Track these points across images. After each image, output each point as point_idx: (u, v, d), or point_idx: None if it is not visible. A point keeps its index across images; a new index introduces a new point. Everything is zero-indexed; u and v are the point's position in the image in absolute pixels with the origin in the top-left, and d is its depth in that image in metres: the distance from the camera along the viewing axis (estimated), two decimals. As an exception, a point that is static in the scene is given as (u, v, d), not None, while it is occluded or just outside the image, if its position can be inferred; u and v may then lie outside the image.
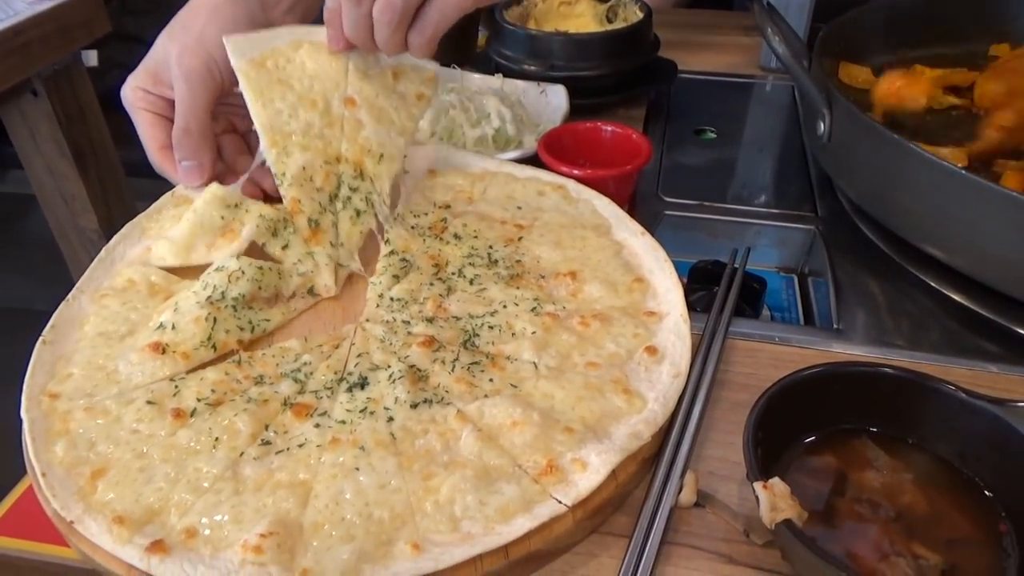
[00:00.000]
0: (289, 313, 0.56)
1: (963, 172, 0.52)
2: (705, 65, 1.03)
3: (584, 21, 0.94)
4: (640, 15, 0.91)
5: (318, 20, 0.69)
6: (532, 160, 0.73)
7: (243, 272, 0.56)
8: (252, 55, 0.61)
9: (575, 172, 0.69)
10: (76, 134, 1.41)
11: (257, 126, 0.61)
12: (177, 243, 0.59)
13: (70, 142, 1.38)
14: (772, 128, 0.91)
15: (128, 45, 2.11)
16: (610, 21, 0.95)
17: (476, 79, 0.88)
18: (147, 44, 1.82)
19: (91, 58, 1.52)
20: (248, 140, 0.70)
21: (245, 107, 0.63)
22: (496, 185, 0.69)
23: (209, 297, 0.54)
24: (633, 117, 0.89)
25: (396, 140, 0.64)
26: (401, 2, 0.54)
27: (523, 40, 0.87)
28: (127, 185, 1.55)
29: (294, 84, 0.63)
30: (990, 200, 0.51)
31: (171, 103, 0.66)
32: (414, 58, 0.59)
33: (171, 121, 0.66)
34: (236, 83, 0.62)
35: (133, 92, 0.67)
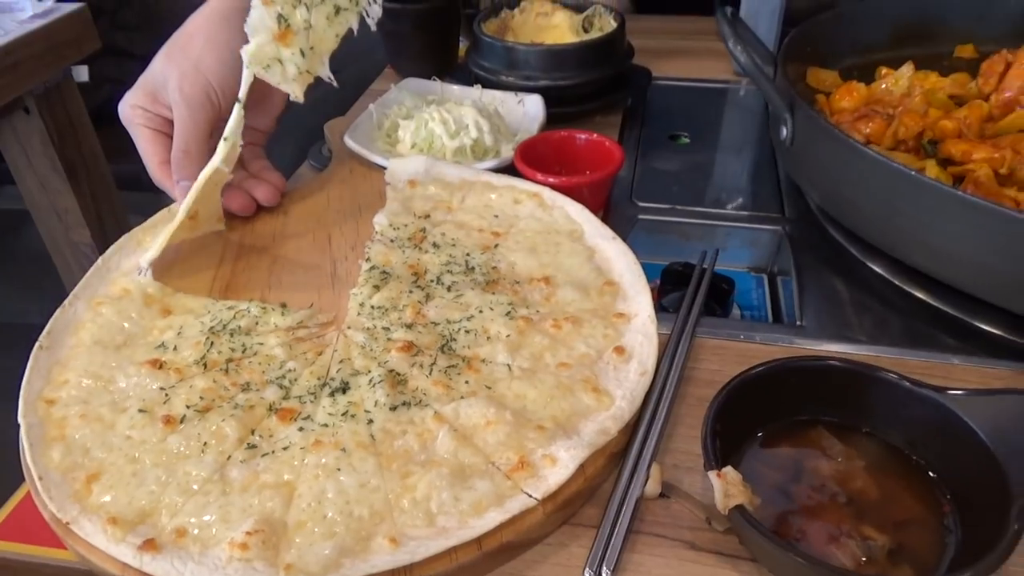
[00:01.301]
0: (285, 338, 0.57)
1: (913, 173, 0.55)
2: (680, 71, 1.06)
3: (561, 31, 0.96)
4: (614, 24, 0.94)
5: None
6: (509, 169, 0.75)
7: (249, 311, 0.58)
8: None
9: (550, 180, 0.72)
10: (68, 150, 1.43)
11: None
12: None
13: (62, 158, 1.40)
14: (744, 132, 0.94)
15: (118, 60, 2.15)
16: (586, 31, 0.97)
17: (455, 90, 0.90)
18: (137, 58, 1.88)
19: (82, 73, 1.55)
20: (242, 154, 0.73)
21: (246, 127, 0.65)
22: (474, 194, 0.72)
23: (212, 328, 0.56)
24: (610, 123, 0.92)
25: None
26: None
27: (501, 52, 0.90)
28: (119, 199, 1.57)
29: None
30: (939, 199, 0.54)
31: (168, 120, 0.69)
32: None
33: (169, 137, 0.69)
34: (231, 107, 0.65)
35: (131, 110, 0.69)
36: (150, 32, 2.24)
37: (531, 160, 0.74)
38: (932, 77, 0.78)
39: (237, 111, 0.63)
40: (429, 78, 0.96)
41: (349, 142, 0.80)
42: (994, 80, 0.75)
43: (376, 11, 0.60)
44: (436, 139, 0.79)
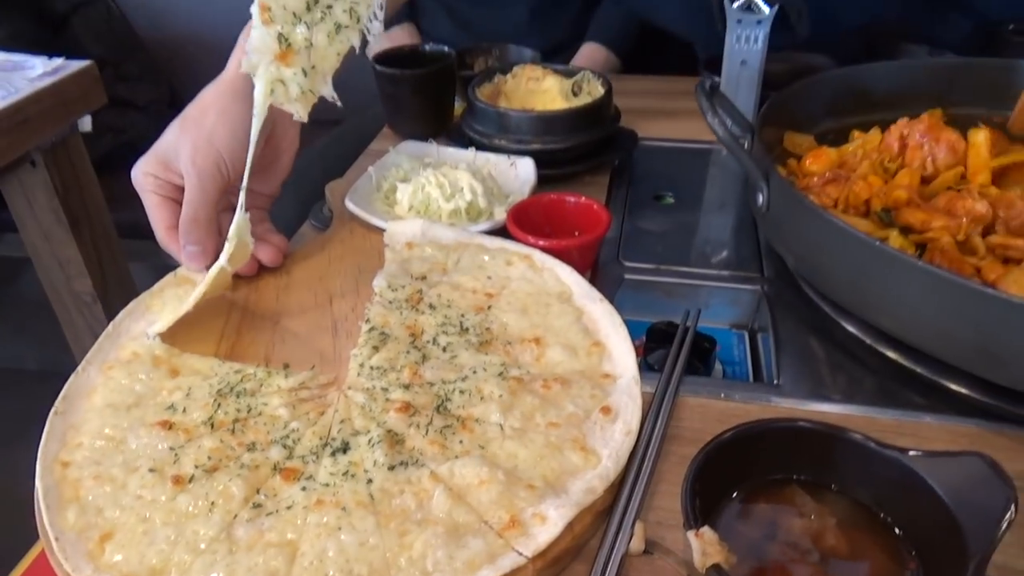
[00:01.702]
0: (288, 399, 0.60)
1: (876, 244, 0.59)
2: (665, 132, 1.11)
3: (551, 96, 1.01)
4: (602, 90, 0.99)
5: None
6: (502, 231, 0.79)
7: (255, 374, 0.61)
8: None
9: (540, 243, 0.76)
10: (72, 201, 1.47)
11: None
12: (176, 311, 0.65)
13: (66, 209, 1.44)
14: (726, 192, 0.98)
15: (121, 110, 2.20)
16: (575, 95, 1.03)
17: (451, 153, 0.95)
18: (139, 109, 1.98)
19: (85, 123, 1.59)
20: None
21: (249, 191, 0.69)
22: (468, 256, 0.75)
23: (219, 390, 0.59)
24: (598, 183, 0.96)
25: None
26: None
27: (494, 117, 0.94)
28: (120, 248, 1.61)
29: None
30: (903, 269, 0.58)
31: (178, 187, 0.73)
32: None
33: (177, 203, 0.73)
34: (240, 176, 0.69)
35: (144, 177, 0.73)
36: (152, 84, 2.31)
37: (523, 223, 0.78)
38: (874, 140, 0.82)
39: (240, 213, 0.67)
40: (426, 138, 1.01)
41: (350, 205, 0.83)
42: (897, 153, 0.79)
43: (377, 27, 0.60)
44: (432, 202, 0.83)
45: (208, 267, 0.69)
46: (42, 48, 2.24)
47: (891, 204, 0.71)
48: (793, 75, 1.24)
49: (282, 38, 0.57)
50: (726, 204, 0.96)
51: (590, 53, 1.69)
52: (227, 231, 0.71)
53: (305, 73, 0.59)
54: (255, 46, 0.60)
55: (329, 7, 0.58)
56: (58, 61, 1.42)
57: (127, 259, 1.67)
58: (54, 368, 2.08)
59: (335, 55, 0.59)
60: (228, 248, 0.67)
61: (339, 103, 0.64)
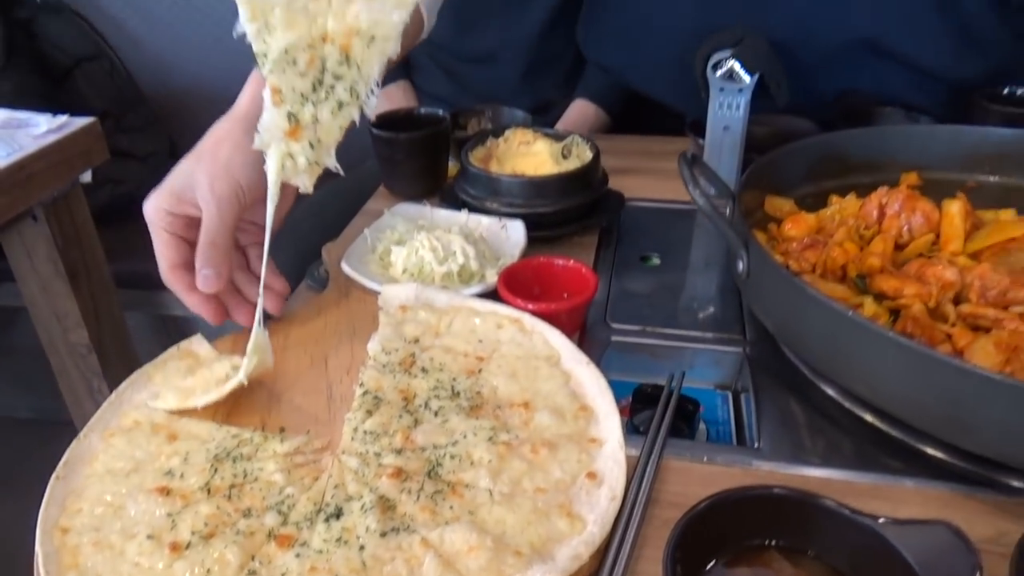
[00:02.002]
0: (284, 463, 0.61)
1: (850, 314, 0.62)
2: (652, 191, 1.14)
3: (541, 159, 1.05)
4: (590, 154, 1.02)
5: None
6: (493, 293, 0.82)
7: (251, 439, 0.63)
8: None
9: (530, 307, 0.78)
10: (71, 254, 1.49)
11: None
12: (182, 391, 0.67)
13: (65, 262, 1.46)
14: (711, 252, 1.01)
15: (121, 161, 2.24)
16: (565, 157, 1.06)
17: (444, 215, 0.98)
18: (138, 159, 2.03)
19: (85, 175, 1.63)
20: (247, 253, 0.81)
21: (251, 223, 0.70)
22: (460, 319, 0.78)
23: (216, 455, 0.61)
24: (586, 244, 1.00)
25: (391, 16, 0.61)
26: None
27: (486, 181, 0.98)
28: (117, 300, 1.63)
29: None
30: (876, 340, 0.60)
31: (189, 223, 0.76)
32: None
33: (185, 241, 0.76)
34: (254, 201, 0.71)
35: (156, 212, 0.76)
36: (152, 135, 2.35)
37: (513, 286, 0.81)
38: (852, 206, 0.86)
39: (257, 329, 0.69)
40: (420, 198, 1.05)
41: (346, 268, 0.86)
42: (875, 220, 0.83)
43: (373, 102, 0.64)
44: (426, 265, 0.86)
45: (220, 287, 0.73)
46: (45, 100, 2.30)
47: (865, 271, 0.74)
48: (776, 137, 1.29)
49: (291, 116, 0.62)
50: (710, 264, 0.99)
51: (580, 110, 1.75)
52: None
53: (312, 146, 0.63)
54: (267, 126, 0.64)
55: (332, 87, 0.62)
56: (62, 119, 1.46)
57: (123, 308, 1.70)
58: (46, 417, 2.08)
59: (338, 129, 0.64)
60: (247, 364, 0.68)
61: (342, 172, 0.68)
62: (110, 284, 1.60)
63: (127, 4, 2.36)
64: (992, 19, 1.10)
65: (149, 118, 2.39)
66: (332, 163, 0.65)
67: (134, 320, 1.92)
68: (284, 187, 0.81)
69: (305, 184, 0.65)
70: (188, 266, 0.75)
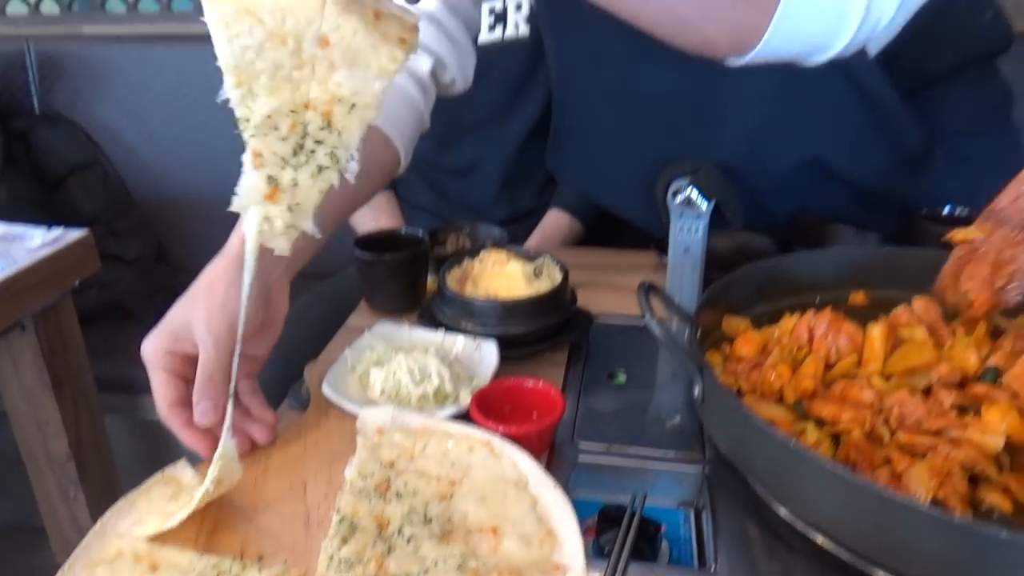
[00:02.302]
0: None
1: (791, 444, 0.67)
2: (620, 307, 1.21)
3: (514, 279, 1.11)
4: (559, 276, 1.09)
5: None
6: (466, 415, 0.86)
7: (230, 569, 0.66)
8: None
9: (500, 429, 0.83)
10: (57, 362, 1.52)
11: (221, 64, 0.60)
12: (165, 515, 0.70)
13: (51, 371, 1.49)
14: (674, 369, 1.07)
15: (109, 264, 2.29)
16: (536, 276, 1.13)
17: (421, 335, 1.03)
18: (126, 263, 2.10)
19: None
20: (238, 386, 0.82)
21: (243, 356, 0.75)
22: (434, 442, 0.82)
23: None
24: (556, 362, 1.05)
25: (372, 85, 0.63)
26: None
27: (461, 304, 1.04)
28: (99, 406, 1.65)
29: (264, 17, 0.60)
30: (817, 470, 0.65)
31: (188, 360, 0.80)
32: (398, 1, 0.60)
33: (183, 379, 0.80)
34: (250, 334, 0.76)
35: (154, 352, 0.80)
36: (142, 240, 2.42)
37: (485, 408, 0.86)
38: (788, 327, 0.91)
39: (226, 436, 0.73)
40: (400, 314, 1.10)
41: (327, 391, 0.91)
42: (806, 342, 0.88)
43: (354, 167, 0.65)
44: (403, 387, 0.90)
45: (218, 423, 0.76)
46: (39, 207, 2.38)
47: (800, 395, 0.79)
48: (735, 253, 1.38)
49: (271, 179, 0.63)
50: (675, 378, 1.04)
51: (556, 220, 1.84)
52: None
53: (290, 209, 0.64)
54: (246, 189, 0.65)
55: (313, 151, 0.63)
56: (56, 232, 1.51)
57: (104, 411, 1.71)
58: (18, 522, 2.05)
59: (317, 192, 0.64)
60: (213, 471, 0.72)
61: (319, 234, 0.67)
62: (92, 391, 1.62)
63: (123, 114, 2.47)
64: (927, 145, 1.20)
65: (139, 222, 2.46)
66: (309, 227, 0.65)
67: (114, 424, 1.93)
68: (272, 319, 0.87)
69: (281, 247, 0.65)
70: (185, 403, 0.79)
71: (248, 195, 0.64)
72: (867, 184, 1.21)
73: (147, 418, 1.99)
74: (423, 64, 1.21)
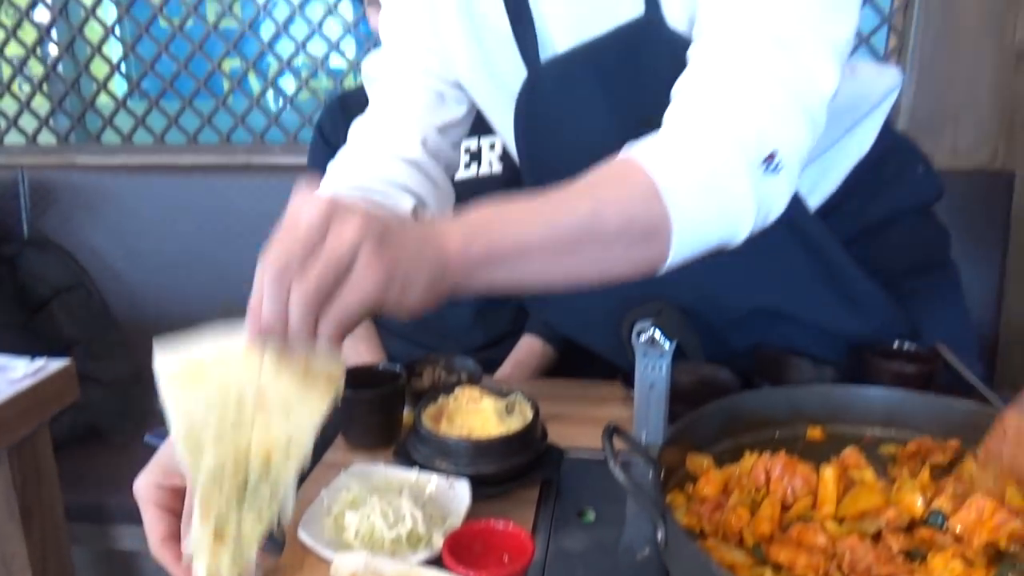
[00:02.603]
0: None
1: (748, 594, 0.70)
2: (590, 440, 1.24)
3: (487, 415, 1.16)
4: (531, 414, 1.14)
5: None
6: (438, 559, 0.88)
7: None
8: (175, 370, 0.73)
9: (471, 574, 0.85)
10: (28, 494, 1.51)
11: (172, 436, 0.69)
12: None
13: (21, 505, 1.48)
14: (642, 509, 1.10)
15: (85, 387, 2.28)
16: (509, 413, 1.17)
17: (396, 474, 1.06)
18: (103, 384, 2.13)
19: (49, 402, 1.68)
20: None
21: None
22: (406, 588, 0.84)
23: None
24: (527, 499, 1.08)
25: (305, 426, 0.71)
26: (314, 289, 0.65)
27: (435, 443, 1.08)
28: (67, 539, 1.62)
29: (211, 382, 0.70)
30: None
31: (175, 494, 0.82)
32: (325, 349, 0.68)
33: (174, 514, 0.82)
34: None
35: (146, 488, 0.83)
36: (120, 360, 2.43)
37: (456, 552, 0.88)
38: (747, 466, 0.96)
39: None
40: (376, 448, 1.13)
41: (303, 535, 0.93)
42: (763, 484, 0.92)
43: (289, 506, 0.73)
44: (377, 530, 0.93)
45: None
46: (20, 330, 2.39)
47: (759, 538, 0.83)
48: (699, 385, 1.44)
49: (217, 529, 0.71)
50: (643, 514, 1.07)
51: (529, 346, 1.90)
52: None
53: (235, 545, 0.72)
54: (195, 541, 0.73)
55: (254, 496, 0.71)
56: (39, 362, 1.54)
57: (71, 542, 1.68)
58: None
59: (258, 536, 0.73)
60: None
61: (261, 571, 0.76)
62: (62, 523, 1.60)
63: (110, 238, 2.54)
64: (871, 288, 1.29)
65: (119, 342, 2.48)
66: (252, 557, 0.73)
67: (80, 556, 1.89)
68: None
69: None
70: (175, 537, 0.81)
71: (198, 545, 0.72)
72: (820, 325, 1.30)
73: (115, 547, 1.95)
74: (406, 203, 1.30)
